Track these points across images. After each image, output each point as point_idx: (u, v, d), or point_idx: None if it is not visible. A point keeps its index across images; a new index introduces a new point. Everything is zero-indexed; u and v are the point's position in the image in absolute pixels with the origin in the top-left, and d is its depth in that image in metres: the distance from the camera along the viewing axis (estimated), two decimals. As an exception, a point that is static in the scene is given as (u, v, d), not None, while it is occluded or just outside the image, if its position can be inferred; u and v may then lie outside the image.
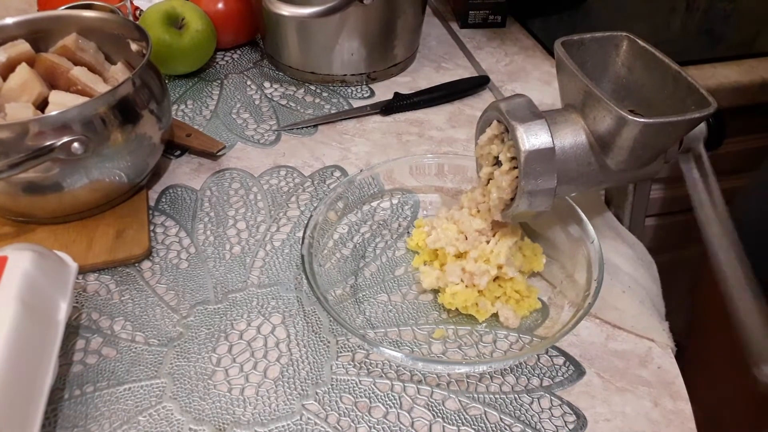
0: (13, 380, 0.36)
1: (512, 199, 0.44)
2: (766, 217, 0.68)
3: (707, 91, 0.40)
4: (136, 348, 0.45)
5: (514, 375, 0.44)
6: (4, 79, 0.54)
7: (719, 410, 0.78)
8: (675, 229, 1.04)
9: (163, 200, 0.57)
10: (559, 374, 0.44)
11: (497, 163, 0.45)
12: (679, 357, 0.83)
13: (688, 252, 0.95)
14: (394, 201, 0.57)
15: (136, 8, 0.77)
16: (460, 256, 0.47)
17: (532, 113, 0.40)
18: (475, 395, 0.42)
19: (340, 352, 0.45)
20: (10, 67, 0.54)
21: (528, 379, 0.43)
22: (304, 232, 0.48)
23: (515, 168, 0.42)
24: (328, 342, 0.46)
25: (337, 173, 0.60)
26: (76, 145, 0.47)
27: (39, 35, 0.58)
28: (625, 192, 0.51)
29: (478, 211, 0.47)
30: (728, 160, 0.95)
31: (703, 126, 0.46)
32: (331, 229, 0.53)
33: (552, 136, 0.40)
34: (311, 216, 0.49)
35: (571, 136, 0.42)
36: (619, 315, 0.47)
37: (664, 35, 0.87)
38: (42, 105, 0.53)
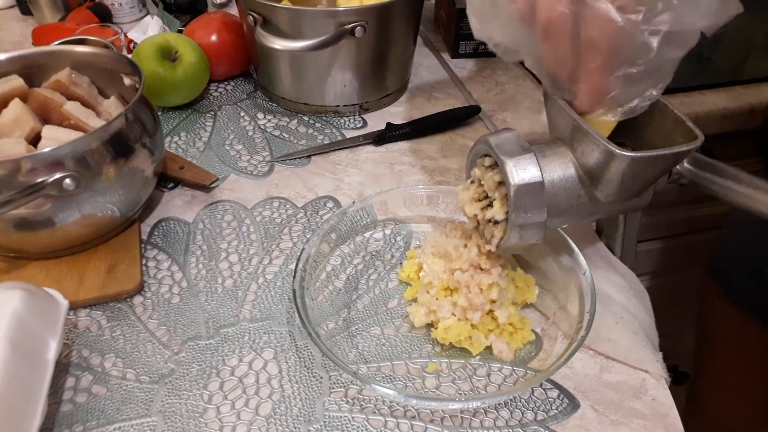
0: (1, 423, 0.35)
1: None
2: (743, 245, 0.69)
3: (694, 124, 0.40)
4: (126, 386, 0.45)
5: (508, 409, 0.43)
6: (-3, 114, 0.54)
7: (736, 429, 0.78)
8: (670, 253, 1.04)
9: (156, 233, 0.57)
10: (553, 408, 0.43)
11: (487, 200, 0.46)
12: (684, 380, 0.83)
13: (685, 275, 0.96)
14: (387, 231, 0.57)
15: (130, 41, 0.78)
16: (449, 290, 0.47)
17: (521, 147, 0.41)
18: (470, 431, 0.42)
19: (333, 387, 0.45)
20: (3, 102, 0.54)
21: (522, 413, 0.43)
22: (296, 266, 0.48)
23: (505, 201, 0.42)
24: (321, 377, 0.45)
25: (330, 204, 0.60)
26: (68, 181, 0.47)
27: (33, 70, 0.58)
28: (616, 222, 0.51)
29: (466, 246, 0.47)
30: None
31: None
32: (323, 261, 0.53)
33: (541, 170, 0.40)
34: (303, 249, 0.49)
35: (560, 170, 0.42)
36: (613, 346, 0.47)
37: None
38: (35, 140, 0.54)
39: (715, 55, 0.91)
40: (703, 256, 0.80)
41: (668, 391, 0.45)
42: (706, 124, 0.77)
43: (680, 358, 0.86)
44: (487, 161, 0.44)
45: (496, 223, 0.44)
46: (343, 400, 0.44)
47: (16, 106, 0.54)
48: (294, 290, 0.46)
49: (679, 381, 0.99)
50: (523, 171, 0.40)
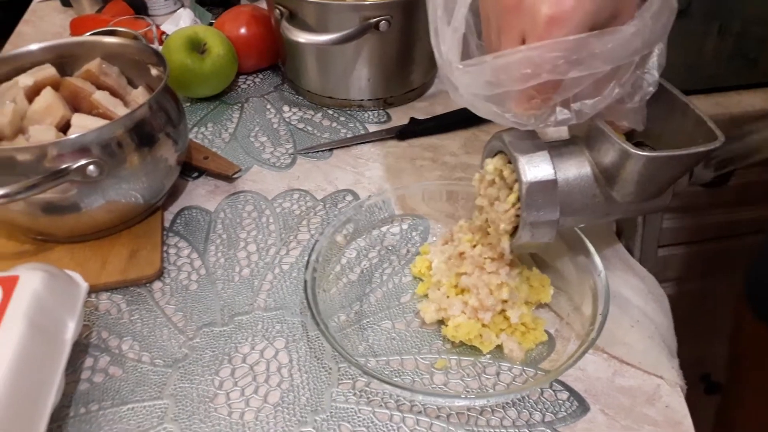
0: (17, 398, 0.37)
1: (515, 231, 0.43)
2: None
3: (715, 125, 0.39)
4: (141, 368, 0.46)
5: (515, 409, 0.43)
6: (30, 102, 0.56)
7: None
8: (706, 258, 1.01)
9: (178, 221, 0.59)
10: (562, 410, 0.43)
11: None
12: (716, 391, 0.80)
13: (723, 281, 0.93)
14: (404, 226, 0.57)
15: (162, 33, 0.80)
16: (459, 288, 0.47)
17: (535, 145, 0.40)
18: (476, 429, 0.42)
19: (341, 379, 0.45)
20: (36, 90, 0.56)
21: (530, 414, 0.43)
22: (309, 257, 0.48)
23: (518, 200, 0.42)
24: (330, 369, 0.46)
25: (349, 197, 0.61)
26: (91, 167, 0.49)
27: (65, 60, 0.60)
28: (635, 224, 0.50)
29: (474, 247, 0.47)
30: (757, 189, 0.92)
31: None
32: (339, 254, 0.53)
33: (554, 168, 0.40)
34: (317, 241, 0.50)
35: (576, 168, 0.41)
36: (627, 350, 0.46)
37: (696, 59, 0.85)
38: (65, 127, 0.55)
39: (762, 54, 0.88)
40: (741, 263, 0.78)
41: (683, 399, 0.44)
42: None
43: (716, 369, 0.83)
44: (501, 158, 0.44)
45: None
46: (350, 392, 0.44)
47: (48, 94, 0.55)
48: (305, 281, 0.46)
49: (711, 391, 0.96)
50: (535, 168, 0.39)
